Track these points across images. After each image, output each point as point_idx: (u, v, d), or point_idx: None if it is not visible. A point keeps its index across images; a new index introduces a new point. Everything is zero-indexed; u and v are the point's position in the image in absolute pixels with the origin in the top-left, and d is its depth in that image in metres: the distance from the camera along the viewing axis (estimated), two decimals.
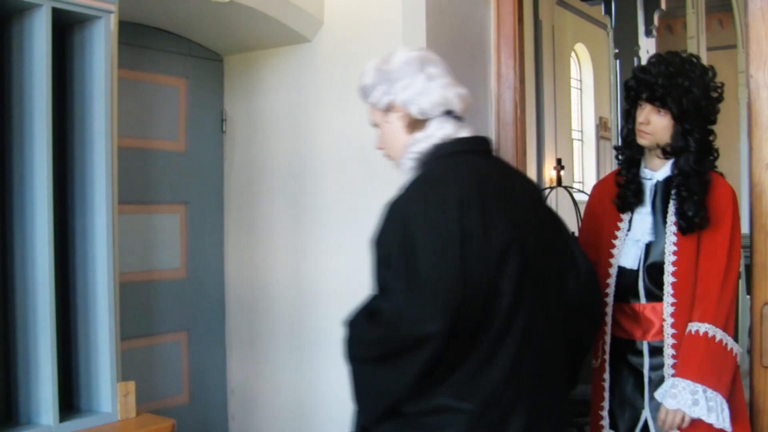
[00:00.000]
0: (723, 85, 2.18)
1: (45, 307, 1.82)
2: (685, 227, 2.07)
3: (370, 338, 1.73)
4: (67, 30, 2.01)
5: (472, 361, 1.72)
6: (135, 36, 2.82)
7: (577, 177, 11.25)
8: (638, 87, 2.15)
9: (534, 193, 1.95)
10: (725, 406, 2.00)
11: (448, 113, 1.87)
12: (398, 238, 1.72)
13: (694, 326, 2.03)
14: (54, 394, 1.82)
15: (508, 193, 1.81)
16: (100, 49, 1.96)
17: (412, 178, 1.81)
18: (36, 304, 1.83)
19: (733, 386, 2.06)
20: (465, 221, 1.68)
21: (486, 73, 2.95)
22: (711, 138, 2.15)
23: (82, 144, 1.99)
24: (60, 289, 1.91)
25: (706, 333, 2.01)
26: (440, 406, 1.71)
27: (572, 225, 4.57)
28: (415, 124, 1.87)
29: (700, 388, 1.97)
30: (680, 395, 1.99)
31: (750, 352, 2.28)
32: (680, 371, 2.01)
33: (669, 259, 2.09)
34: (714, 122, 2.16)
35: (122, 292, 2.32)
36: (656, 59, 2.17)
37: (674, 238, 2.10)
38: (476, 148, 1.87)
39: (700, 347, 2.01)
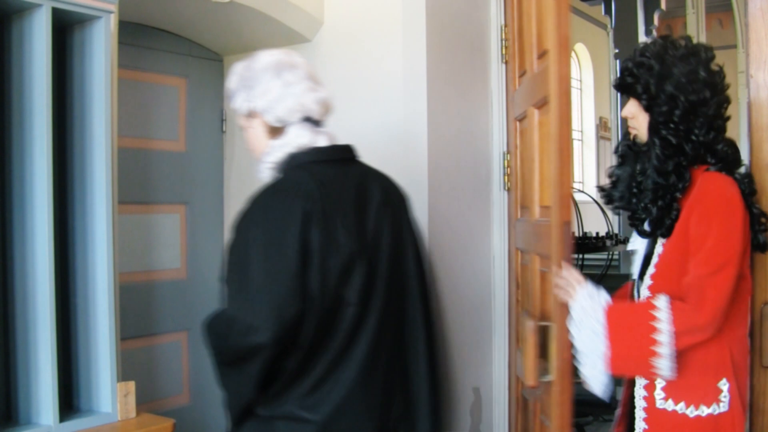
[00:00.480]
0: (722, 71, 1.93)
1: (45, 308, 1.82)
2: (641, 232, 1.92)
3: (211, 344, 1.78)
4: (67, 30, 2.00)
5: (318, 372, 1.74)
6: (135, 36, 2.82)
7: (577, 177, 11.25)
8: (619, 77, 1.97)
9: (396, 200, 1.94)
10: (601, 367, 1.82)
11: (307, 119, 1.88)
12: (237, 248, 1.73)
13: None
14: (54, 395, 1.82)
15: (361, 203, 1.83)
16: (100, 49, 1.96)
17: (261, 187, 1.81)
18: (36, 305, 1.83)
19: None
20: (306, 234, 1.69)
21: (486, 72, 2.95)
22: (700, 133, 1.86)
23: (82, 144, 1.99)
24: (60, 289, 1.91)
25: (653, 306, 1.84)
26: (289, 413, 1.74)
27: (573, 225, 4.56)
28: (274, 130, 1.88)
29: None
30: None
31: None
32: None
33: (650, 271, 1.91)
34: (714, 112, 1.88)
35: (122, 292, 2.32)
36: (643, 46, 1.97)
37: (661, 249, 1.89)
38: (332, 158, 1.87)
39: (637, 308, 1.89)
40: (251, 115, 1.91)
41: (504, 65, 2.96)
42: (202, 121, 3.13)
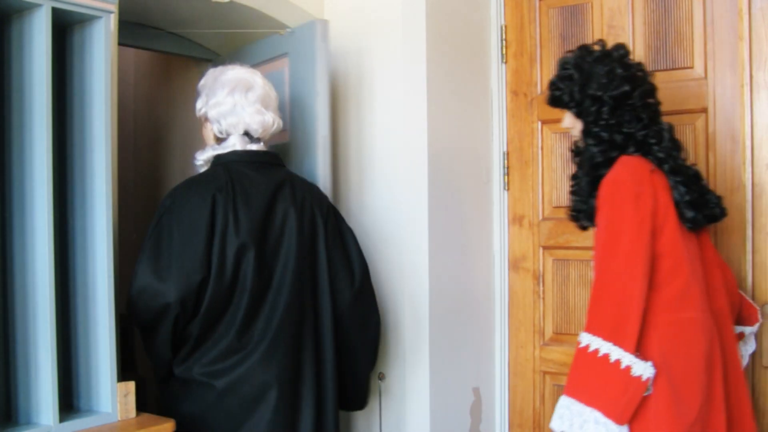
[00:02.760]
0: (639, 64, 2.03)
1: (45, 307, 1.81)
2: (581, 226, 2.06)
3: (130, 311, 2.05)
4: (67, 30, 2.00)
5: (220, 343, 2.05)
6: (135, 36, 2.82)
7: None
8: None
9: (311, 206, 2.21)
10: (612, 427, 1.73)
11: (246, 134, 2.19)
12: (154, 223, 2.04)
13: (580, 336, 1.85)
14: (54, 394, 1.82)
15: (271, 202, 2.11)
16: (100, 49, 1.96)
17: (186, 179, 2.15)
18: (36, 304, 1.83)
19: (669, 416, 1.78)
20: (213, 217, 2.01)
21: (486, 73, 2.95)
22: (630, 125, 1.94)
23: (82, 144, 1.98)
24: (60, 289, 1.91)
25: (578, 343, 1.82)
26: (197, 378, 2.05)
27: None
28: (217, 136, 2.21)
29: (567, 401, 1.79)
30: (557, 412, 1.82)
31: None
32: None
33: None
34: (640, 103, 1.97)
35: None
36: (563, 59, 2.11)
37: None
38: (253, 160, 2.17)
39: (576, 358, 1.82)
40: (204, 118, 2.24)
41: (504, 65, 2.96)
42: None
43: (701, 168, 2.52)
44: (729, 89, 2.46)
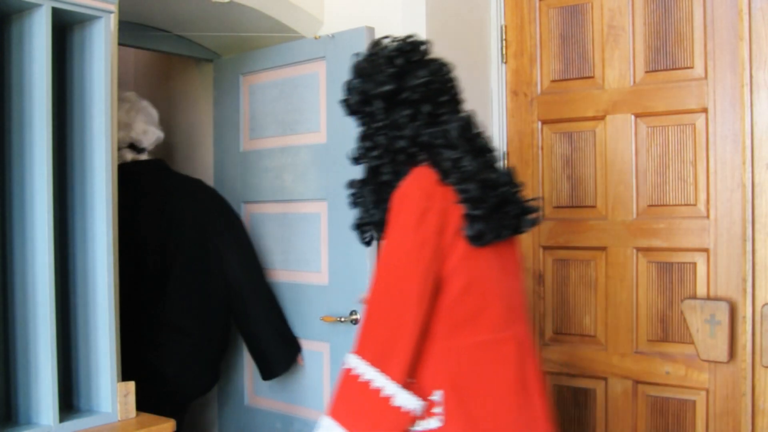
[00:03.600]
0: (412, 60, 1.81)
1: (45, 307, 1.81)
2: (367, 242, 1.89)
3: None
4: (67, 30, 2.00)
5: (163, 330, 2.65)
6: (135, 36, 2.82)
7: None
8: None
9: (178, 206, 2.72)
10: None
11: (132, 146, 2.76)
12: None
13: (346, 356, 1.70)
14: (54, 394, 1.82)
15: (138, 200, 2.66)
16: (100, 49, 1.96)
17: None
18: (36, 304, 1.83)
19: None
20: (122, 211, 2.29)
21: (486, 72, 2.95)
22: (406, 124, 1.76)
23: (82, 144, 1.98)
24: (60, 289, 1.91)
25: (344, 363, 1.69)
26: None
27: None
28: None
29: (328, 422, 1.66)
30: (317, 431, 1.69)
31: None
32: None
33: None
34: (418, 98, 1.77)
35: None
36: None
37: None
38: (139, 169, 2.75)
39: (342, 380, 1.68)
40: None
41: (504, 65, 2.96)
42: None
43: (701, 168, 2.52)
44: (729, 89, 2.46)
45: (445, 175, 1.70)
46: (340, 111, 2.55)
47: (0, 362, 1.85)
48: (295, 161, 2.82)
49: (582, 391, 2.79)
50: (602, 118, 2.73)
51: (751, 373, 2.32)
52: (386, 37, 1.89)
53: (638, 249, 2.66)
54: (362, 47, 2.49)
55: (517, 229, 1.79)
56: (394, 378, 1.62)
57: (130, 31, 2.75)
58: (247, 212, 3.01)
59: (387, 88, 1.77)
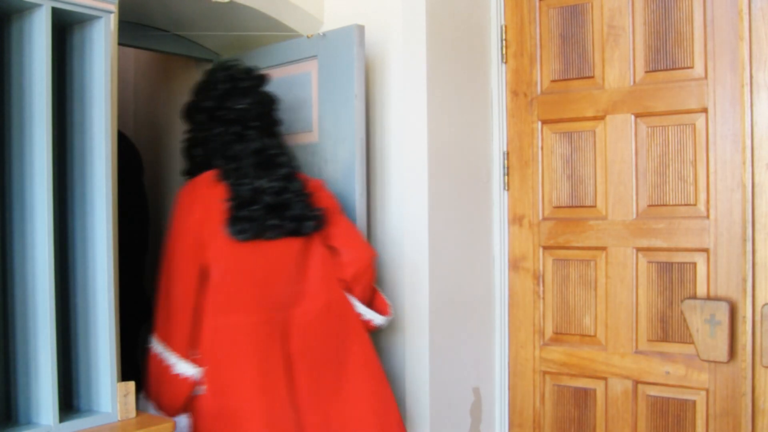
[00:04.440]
0: (236, 80, 2.23)
1: (45, 307, 1.81)
2: None
3: None
4: (67, 30, 2.00)
5: None
6: (135, 36, 2.82)
7: None
8: None
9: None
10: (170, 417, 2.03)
11: None
12: None
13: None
14: (54, 394, 1.82)
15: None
16: (100, 49, 1.96)
17: None
18: (36, 304, 1.83)
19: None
20: None
21: (486, 72, 2.95)
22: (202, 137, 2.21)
23: (82, 144, 1.98)
24: (60, 289, 1.91)
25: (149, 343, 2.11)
26: None
27: None
28: None
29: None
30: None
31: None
32: None
33: None
34: (210, 107, 2.22)
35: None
36: None
37: None
38: None
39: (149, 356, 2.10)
40: None
41: (504, 65, 2.96)
42: None
43: (701, 168, 2.52)
44: (729, 89, 2.46)
45: (224, 178, 2.10)
46: (331, 110, 2.58)
47: (0, 362, 1.85)
48: None
49: (582, 391, 2.79)
50: (602, 118, 2.74)
51: (751, 373, 2.32)
52: (236, 60, 2.33)
53: (638, 249, 2.66)
54: (353, 45, 2.53)
55: (297, 232, 2.14)
56: (174, 349, 2.00)
57: (130, 31, 2.75)
58: None
59: (207, 104, 2.21)
